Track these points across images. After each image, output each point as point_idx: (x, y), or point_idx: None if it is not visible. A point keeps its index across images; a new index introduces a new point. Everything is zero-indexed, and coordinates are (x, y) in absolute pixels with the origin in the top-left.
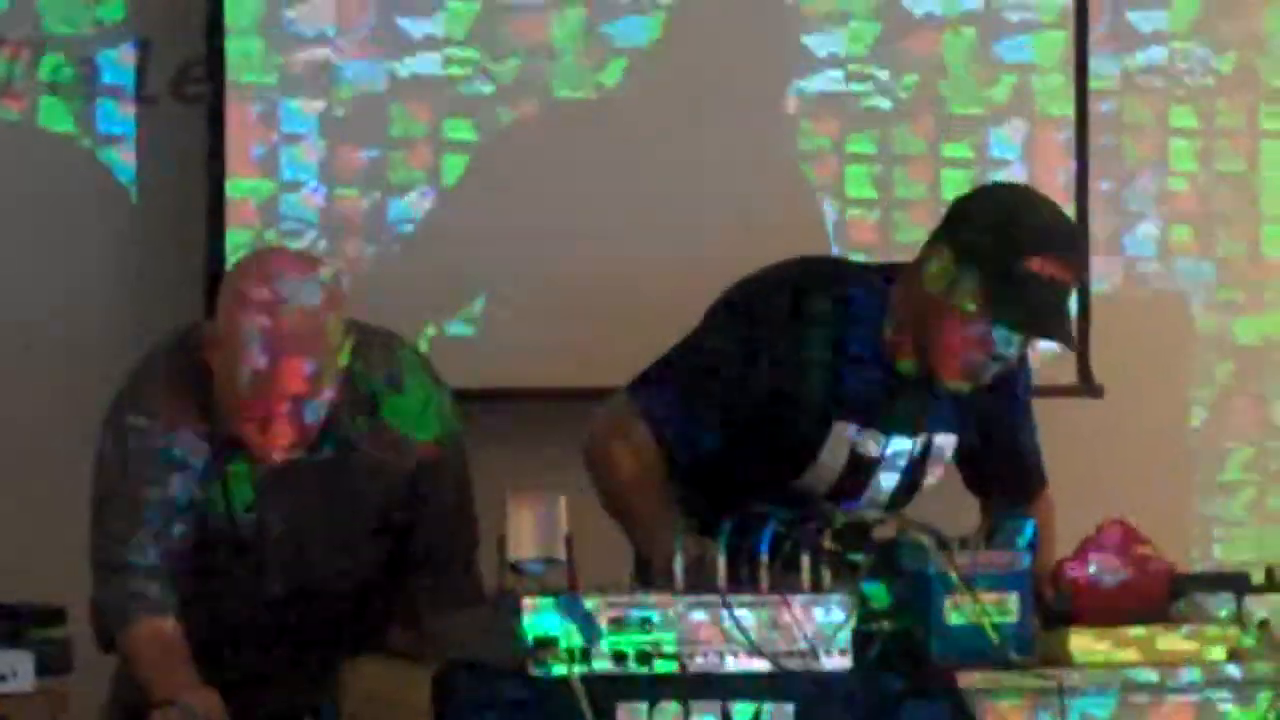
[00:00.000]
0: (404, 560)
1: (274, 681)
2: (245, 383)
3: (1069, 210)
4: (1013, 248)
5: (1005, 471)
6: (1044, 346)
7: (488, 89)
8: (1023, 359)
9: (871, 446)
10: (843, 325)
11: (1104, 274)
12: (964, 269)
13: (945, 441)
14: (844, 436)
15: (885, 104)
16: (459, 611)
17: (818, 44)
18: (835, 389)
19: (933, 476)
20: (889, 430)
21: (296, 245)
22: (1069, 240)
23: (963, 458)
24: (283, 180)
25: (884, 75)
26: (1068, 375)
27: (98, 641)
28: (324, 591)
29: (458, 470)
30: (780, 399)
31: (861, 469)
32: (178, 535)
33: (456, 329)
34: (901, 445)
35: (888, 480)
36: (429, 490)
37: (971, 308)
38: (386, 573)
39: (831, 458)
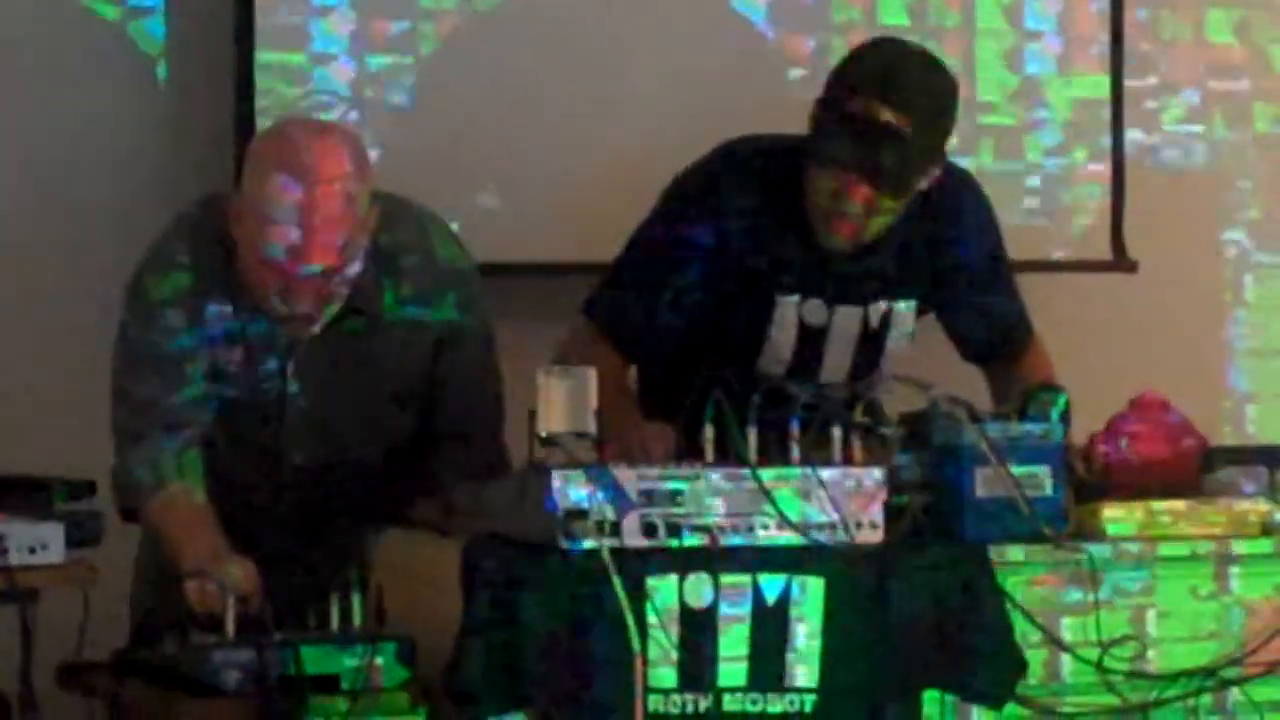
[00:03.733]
0: (428, 432)
1: (300, 556)
2: (272, 254)
3: (1102, 82)
4: (836, 91)
5: (984, 335)
6: (1076, 219)
7: None
8: (983, 220)
9: (816, 316)
10: (769, 203)
11: (1139, 147)
12: (812, 121)
13: (905, 308)
14: (788, 310)
15: None
16: (485, 484)
17: None
18: (772, 266)
19: (895, 344)
20: (834, 300)
21: (326, 118)
22: (895, 82)
23: (945, 329)
24: (312, 52)
25: None
26: (1101, 250)
27: (119, 511)
28: (347, 463)
29: (482, 343)
30: (720, 283)
31: (811, 342)
32: (201, 406)
33: (485, 201)
34: (849, 314)
35: (842, 351)
36: (453, 362)
37: (808, 157)
38: (411, 445)
39: (780, 333)
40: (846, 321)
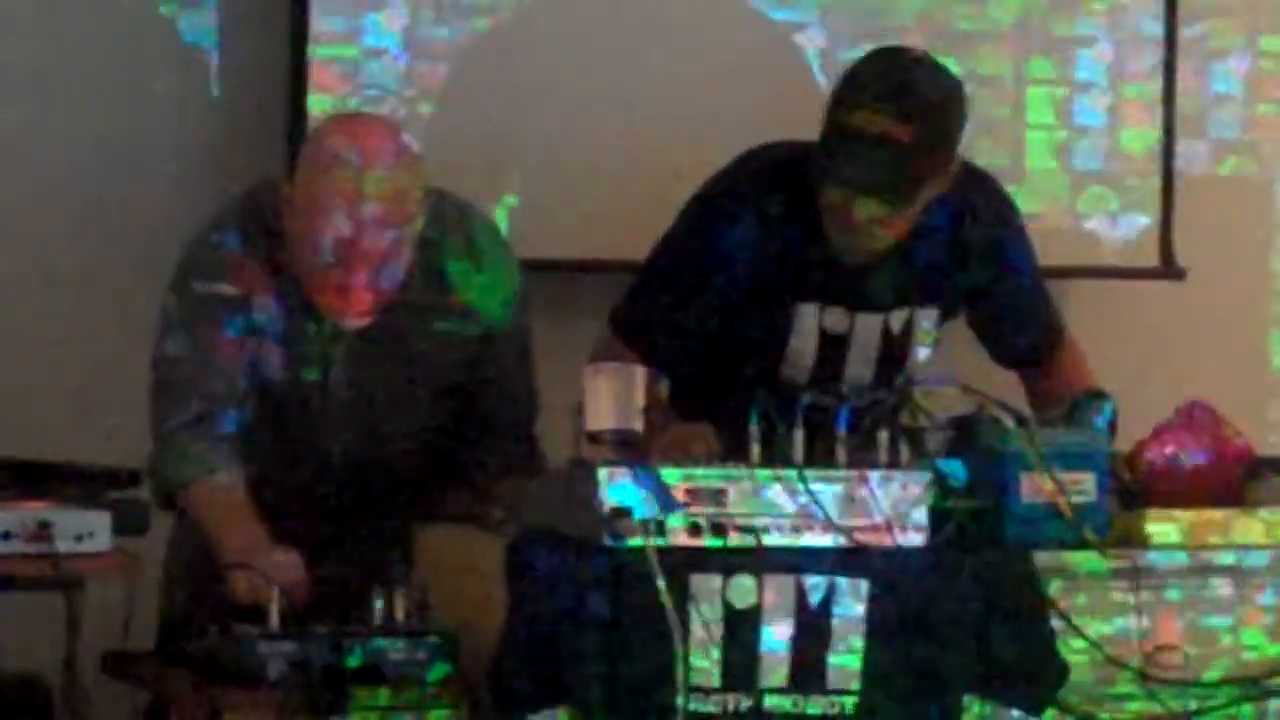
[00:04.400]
0: (465, 427)
1: (343, 548)
2: (326, 248)
3: (1153, 91)
4: (836, 105)
5: (1015, 339)
6: (1124, 226)
7: None
8: (1007, 224)
9: (838, 323)
10: (788, 212)
11: (1188, 156)
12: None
13: (927, 315)
14: (809, 317)
15: None
16: (527, 479)
17: None
18: (791, 273)
19: (920, 352)
20: (855, 307)
21: (378, 111)
22: (891, 90)
23: (975, 334)
24: (365, 46)
25: None
26: (1149, 258)
27: (155, 498)
28: (385, 456)
29: (522, 339)
30: (742, 291)
31: (833, 349)
32: (242, 397)
33: (531, 198)
34: (870, 321)
35: (865, 360)
36: (494, 358)
37: (816, 172)
38: (447, 439)
39: (801, 341)
40: (867, 329)
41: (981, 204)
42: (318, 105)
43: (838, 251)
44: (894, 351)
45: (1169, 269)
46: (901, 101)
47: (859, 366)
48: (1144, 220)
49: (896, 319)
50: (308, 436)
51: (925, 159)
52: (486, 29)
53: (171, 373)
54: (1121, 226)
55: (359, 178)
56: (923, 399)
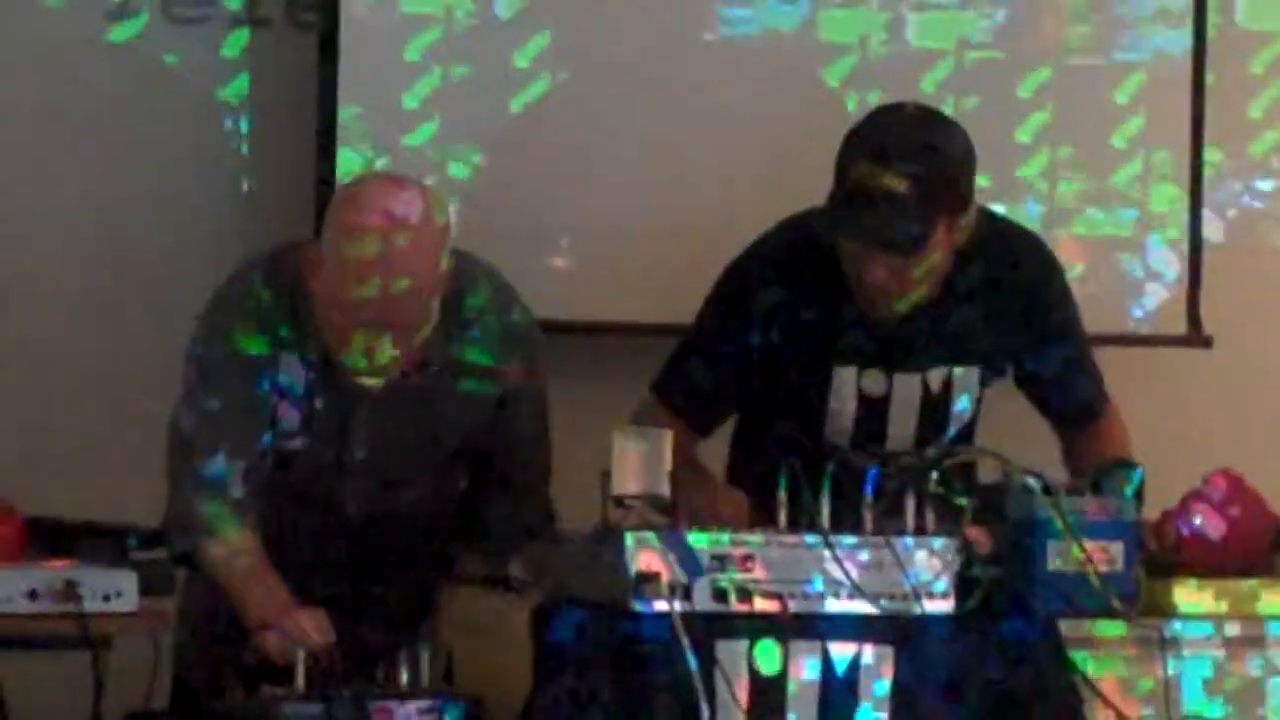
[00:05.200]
0: (481, 487)
1: (366, 613)
2: (354, 309)
3: (1183, 161)
4: (840, 164)
5: (1057, 400)
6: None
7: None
8: (1049, 282)
9: (875, 385)
10: (822, 277)
11: (1216, 224)
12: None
13: (967, 374)
14: (847, 381)
15: None
16: (553, 543)
17: None
18: (828, 338)
19: (962, 410)
20: (892, 368)
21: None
22: (887, 144)
23: (1022, 392)
24: (394, 109)
25: None
26: (1177, 325)
27: (171, 556)
28: (401, 514)
29: (540, 400)
30: (780, 359)
31: (873, 410)
32: (263, 454)
33: (555, 261)
34: (909, 381)
35: (906, 419)
36: (512, 419)
37: (825, 235)
38: (464, 500)
39: (840, 404)
40: (906, 389)
41: (1019, 259)
42: (347, 166)
43: (866, 311)
44: (935, 412)
45: (1196, 336)
46: (895, 153)
47: (900, 427)
48: (1171, 287)
49: (935, 378)
50: (323, 494)
51: (928, 207)
52: (525, 93)
53: (189, 430)
54: (1149, 293)
55: (383, 239)
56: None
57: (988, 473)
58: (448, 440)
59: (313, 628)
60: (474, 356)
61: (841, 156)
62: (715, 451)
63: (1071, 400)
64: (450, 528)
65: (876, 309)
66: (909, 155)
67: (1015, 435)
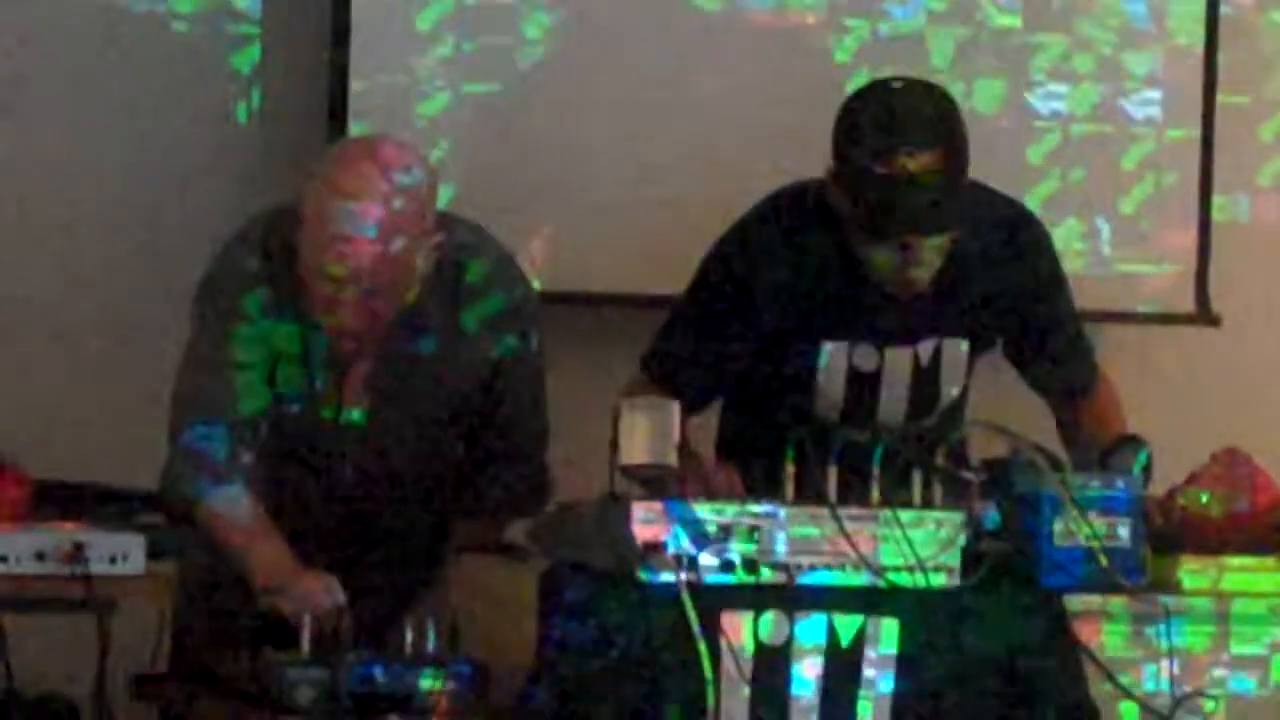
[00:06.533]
0: (476, 455)
1: (370, 579)
2: (315, 266)
3: (1194, 140)
4: (853, 154)
5: (1047, 373)
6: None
7: None
8: (1038, 251)
9: (867, 361)
10: (813, 252)
11: (1225, 204)
12: (838, 183)
13: (958, 347)
14: (837, 356)
15: None
16: (561, 512)
17: None
18: (817, 312)
19: (953, 385)
20: (882, 343)
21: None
22: (906, 126)
23: (1011, 363)
24: (407, 79)
25: None
26: (1185, 303)
27: (166, 514)
28: (396, 480)
29: (537, 370)
30: (769, 331)
31: (864, 386)
32: (260, 414)
33: (562, 231)
34: (900, 355)
35: (897, 394)
36: (509, 388)
37: (853, 230)
38: (459, 467)
39: (830, 380)
40: (898, 363)
41: (1005, 225)
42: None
43: (897, 293)
44: (926, 388)
45: (1204, 315)
46: (919, 133)
47: (891, 404)
48: (1179, 266)
49: (925, 351)
50: (319, 459)
51: (960, 174)
52: (525, 66)
53: (187, 392)
54: (1157, 272)
55: (345, 197)
56: (959, 437)
57: (980, 448)
58: (444, 407)
59: (319, 591)
60: (472, 325)
61: (855, 146)
62: (704, 440)
63: (1064, 371)
64: (447, 495)
65: (911, 287)
66: (930, 131)
67: (1003, 413)
